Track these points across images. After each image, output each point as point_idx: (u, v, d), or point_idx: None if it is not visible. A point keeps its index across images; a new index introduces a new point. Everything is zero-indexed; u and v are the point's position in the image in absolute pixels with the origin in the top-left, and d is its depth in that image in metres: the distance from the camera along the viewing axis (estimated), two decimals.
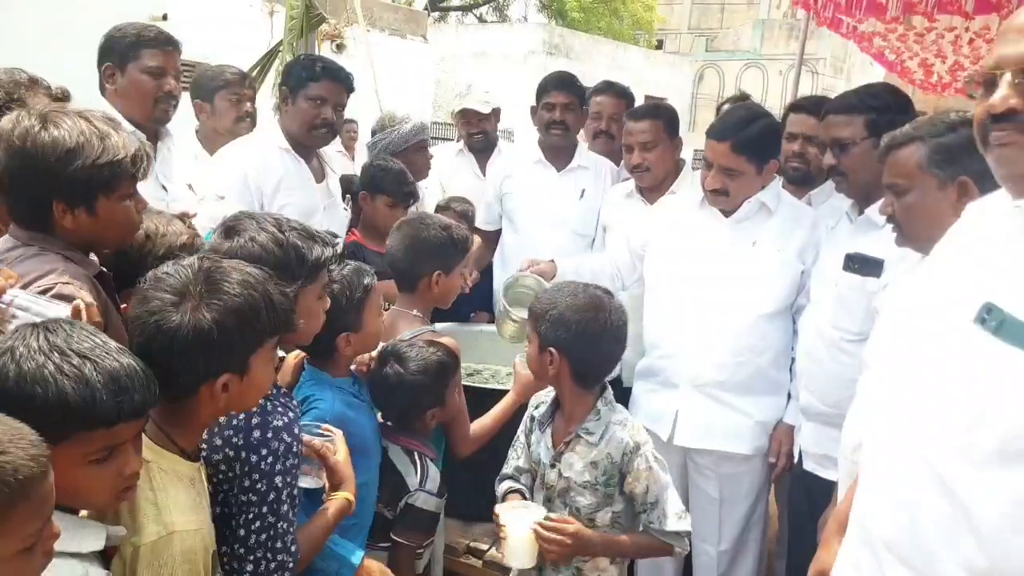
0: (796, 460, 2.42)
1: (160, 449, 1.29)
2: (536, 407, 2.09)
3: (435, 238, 2.28)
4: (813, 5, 5.28)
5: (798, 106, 2.96)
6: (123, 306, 1.72)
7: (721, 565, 2.55)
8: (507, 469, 2.11)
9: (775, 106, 20.74)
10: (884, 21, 5.67)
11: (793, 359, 2.45)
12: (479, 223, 3.47)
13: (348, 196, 3.16)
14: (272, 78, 3.09)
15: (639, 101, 3.61)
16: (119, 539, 1.15)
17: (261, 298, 1.32)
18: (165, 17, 8.95)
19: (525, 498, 2.03)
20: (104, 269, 1.70)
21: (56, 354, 1.05)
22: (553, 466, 1.94)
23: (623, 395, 2.70)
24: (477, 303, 3.23)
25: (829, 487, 2.07)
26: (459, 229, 2.40)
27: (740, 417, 2.43)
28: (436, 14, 23.13)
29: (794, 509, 2.50)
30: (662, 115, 2.93)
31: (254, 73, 3.24)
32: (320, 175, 2.82)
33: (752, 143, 2.35)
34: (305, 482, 1.65)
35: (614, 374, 2.62)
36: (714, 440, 2.46)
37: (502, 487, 2.08)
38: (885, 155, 1.88)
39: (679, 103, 20.79)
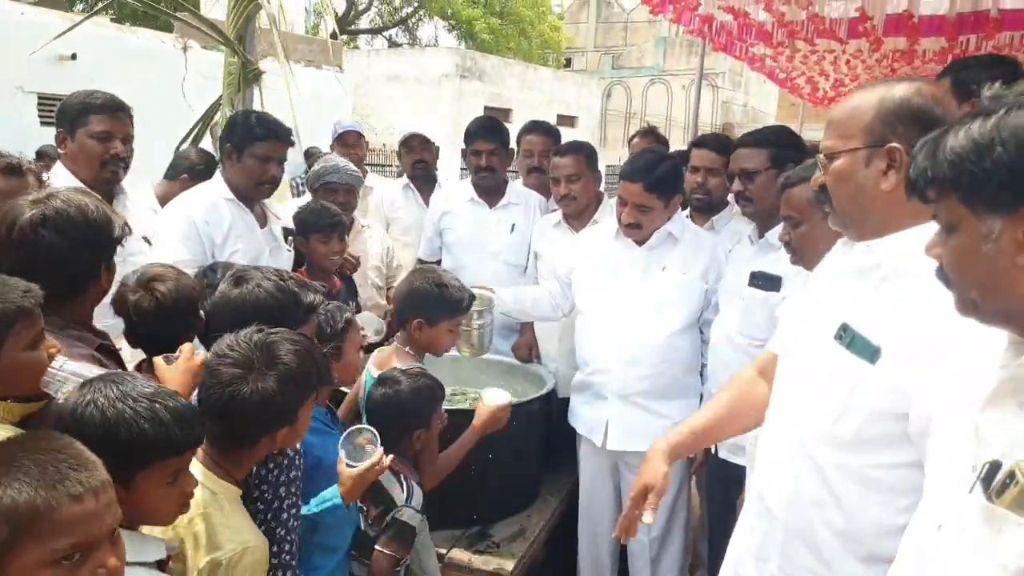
0: (713, 452, 2.75)
1: (223, 482, 1.56)
2: None
3: (423, 290, 2.44)
4: (708, 32, 5.75)
5: (701, 143, 3.31)
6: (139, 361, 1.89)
7: (652, 550, 2.88)
8: None
9: (680, 119, 21.58)
10: (771, 46, 6.19)
11: (704, 364, 2.79)
12: (421, 255, 3.75)
13: (290, 238, 3.36)
14: (219, 122, 3.18)
15: (552, 119, 3.92)
16: (175, 549, 1.39)
17: (310, 361, 1.58)
18: (74, 56, 8.67)
19: None
20: (105, 341, 1.82)
21: (130, 400, 1.28)
22: None
23: (561, 405, 3.05)
24: None
25: (741, 471, 2.40)
26: (456, 290, 2.49)
27: (660, 420, 2.74)
28: (345, 37, 23.14)
29: (712, 494, 2.86)
30: (583, 151, 3.26)
31: (196, 130, 3.34)
32: (263, 220, 2.97)
33: (660, 182, 2.69)
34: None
35: (549, 387, 2.95)
36: (639, 442, 2.70)
37: None
38: (782, 191, 2.22)
39: (589, 120, 21.39)
